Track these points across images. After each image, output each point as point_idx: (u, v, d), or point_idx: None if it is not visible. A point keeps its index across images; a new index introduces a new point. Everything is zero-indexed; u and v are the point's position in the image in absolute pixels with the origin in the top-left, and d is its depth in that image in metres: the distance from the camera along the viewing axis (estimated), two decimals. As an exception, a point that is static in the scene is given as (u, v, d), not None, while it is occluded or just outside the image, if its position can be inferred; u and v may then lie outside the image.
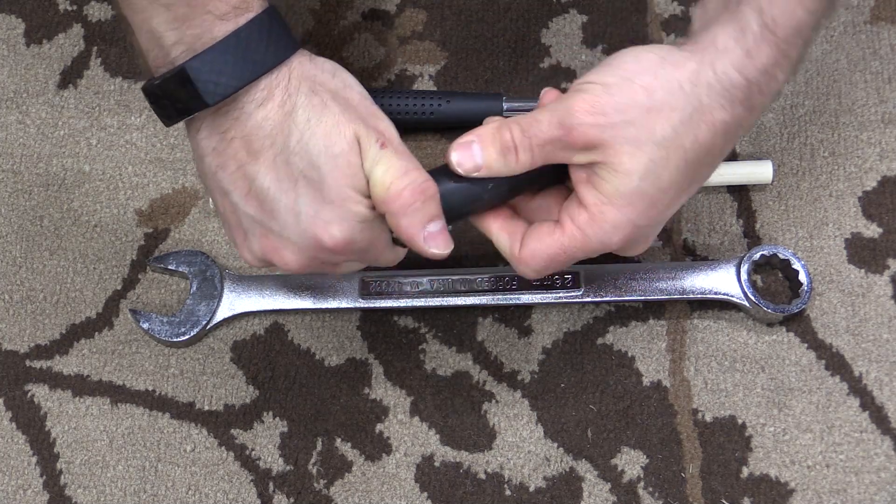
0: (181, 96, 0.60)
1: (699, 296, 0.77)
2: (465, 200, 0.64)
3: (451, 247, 0.63)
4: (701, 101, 0.60)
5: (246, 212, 0.63)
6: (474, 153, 0.63)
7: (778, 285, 0.79)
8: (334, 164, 0.61)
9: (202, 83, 0.59)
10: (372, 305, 0.79)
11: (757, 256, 0.77)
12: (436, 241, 0.63)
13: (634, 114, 0.60)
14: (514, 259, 0.65)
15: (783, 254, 0.77)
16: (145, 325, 0.79)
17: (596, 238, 0.62)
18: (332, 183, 0.61)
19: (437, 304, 0.78)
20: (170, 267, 0.81)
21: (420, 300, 0.78)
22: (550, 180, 0.65)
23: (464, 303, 0.78)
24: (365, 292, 0.79)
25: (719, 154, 0.63)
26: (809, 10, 0.60)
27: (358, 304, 0.79)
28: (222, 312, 0.79)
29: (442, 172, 0.64)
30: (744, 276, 0.77)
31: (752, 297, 0.76)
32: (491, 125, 0.63)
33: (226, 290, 0.80)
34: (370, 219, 0.62)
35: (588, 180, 0.62)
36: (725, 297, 0.77)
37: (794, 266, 0.77)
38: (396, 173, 0.61)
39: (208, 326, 0.79)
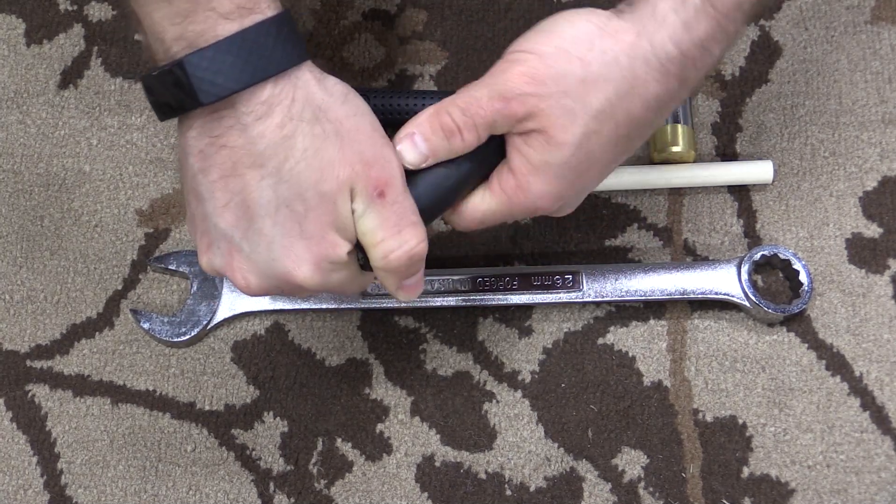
0: (176, 92, 0.58)
1: (699, 296, 0.77)
2: (435, 198, 0.63)
3: (420, 292, 0.64)
4: (636, 74, 0.59)
5: (217, 224, 0.60)
6: (417, 144, 0.62)
7: (778, 285, 0.79)
8: (320, 201, 0.59)
9: (198, 80, 0.57)
10: (373, 306, 0.79)
11: (757, 256, 0.77)
12: (408, 291, 0.63)
13: (570, 85, 0.59)
14: (449, 220, 0.66)
15: (783, 254, 0.77)
16: (146, 325, 0.79)
17: (520, 205, 0.62)
18: (314, 220, 0.59)
19: (438, 304, 0.78)
20: (170, 267, 0.81)
21: (420, 300, 0.78)
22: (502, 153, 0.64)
23: (464, 303, 0.78)
24: (366, 292, 0.79)
25: (650, 126, 0.63)
26: None
27: (359, 305, 0.79)
28: (223, 312, 0.79)
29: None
30: (744, 276, 0.77)
31: (753, 297, 0.76)
32: (427, 112, 0.62)
33: (226, 290, 0.80)
34: (344, 261, 0.61)
35: (520, 148, 0.61)
36: (726, 297, 0.77)
37: (794, 266, 0.77)
38: (390, 230, 0.60)
39: (209, 326, 0.79)
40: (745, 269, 0.77)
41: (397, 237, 0.60)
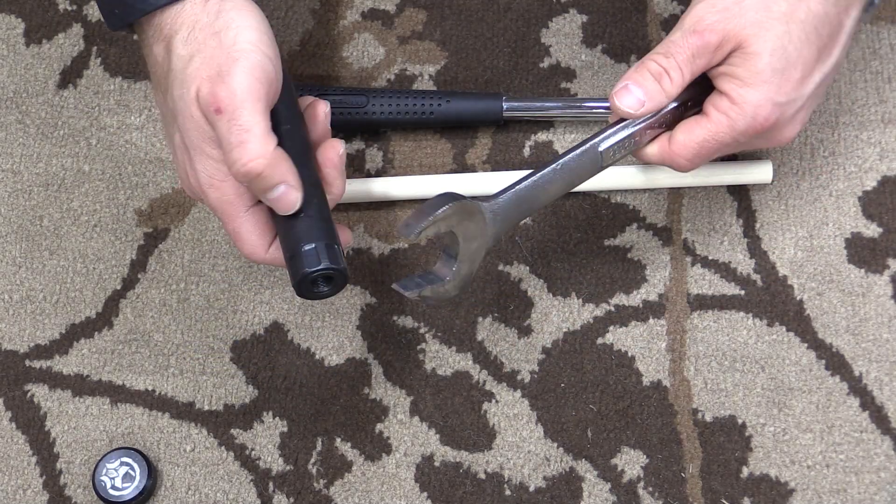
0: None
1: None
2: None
3: (295, 203, 0.65)
4: None
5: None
6: (632, 90, 0.68)
7: None
8: (184, 109, 0.65)
9: (105, 8, 0.68)
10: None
11: None
12: (275, 203, 0.65)
13: (749, 1, 0.66)
14: (666, 156, 0.70)
15: None
16: (415, 293, 0.67)
17: (740, 119, 0.67)
18: (184, 127, 0.65)
19: None
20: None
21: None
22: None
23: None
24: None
25: (837, 24, 0.68)
26: None
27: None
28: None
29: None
30: None
31: None
32: (632, 68, 0.68)
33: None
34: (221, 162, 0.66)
35: (724, 71, 0.67)
36: None
37: None
38: (227, 146, 0.63)
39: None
40: None
41: (231, 154, 0.63)
